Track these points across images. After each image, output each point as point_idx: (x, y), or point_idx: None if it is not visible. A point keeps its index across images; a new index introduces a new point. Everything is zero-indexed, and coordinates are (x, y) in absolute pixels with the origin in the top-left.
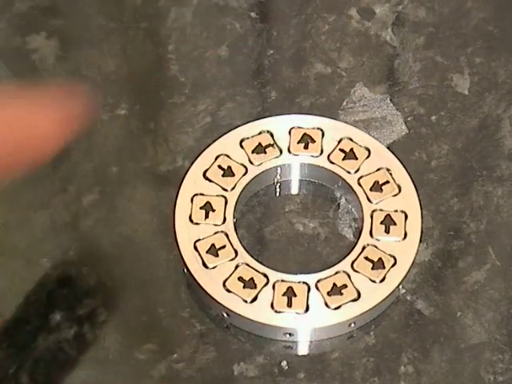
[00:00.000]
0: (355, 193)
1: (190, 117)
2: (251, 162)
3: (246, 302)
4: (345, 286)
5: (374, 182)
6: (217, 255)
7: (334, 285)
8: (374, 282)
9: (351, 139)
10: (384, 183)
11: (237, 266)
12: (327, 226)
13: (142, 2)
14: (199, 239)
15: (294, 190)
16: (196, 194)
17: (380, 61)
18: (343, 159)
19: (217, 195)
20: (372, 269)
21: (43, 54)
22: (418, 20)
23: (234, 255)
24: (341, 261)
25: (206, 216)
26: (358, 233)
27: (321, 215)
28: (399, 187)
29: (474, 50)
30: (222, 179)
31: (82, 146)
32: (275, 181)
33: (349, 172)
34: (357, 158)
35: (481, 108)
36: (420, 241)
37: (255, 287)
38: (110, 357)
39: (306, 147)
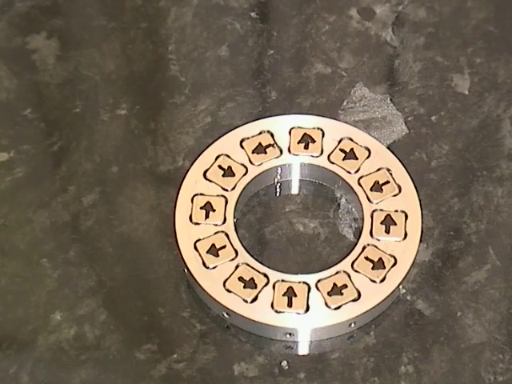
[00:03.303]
0: (355, 193)
1: (190, 117)
2: (251, 162)
3: (246, 301)
4: (345, 285)
5: (375, 182)
6: (217, 255)
7: (335, 285)
8: (374, 281)
9: (351, 139)
10: (384, 183)
11: (237, 266)
12: (327, 226)
13: (142, 2)
14: (199, 239)
15: (294, 189)
16: (196, 194)
17: (380, 61)
18: (343, 159)
19: (217, 195)
20: (372, 269)
21: (43, 54)
22: (418, 20)
23: (234, 255)
24: (341, 261)
25: (207, 216)
26: (359, 233)
27: (321, 215)
28: (399, 187)
29: (474, 50)
30: (223, 179)
31: (82, 146)
32: (275, 181)
33: (349, 172)
34: (357, 158)
35: (481, 108)
36: (420, 241)
37: (255, 287)
38: (110, 357)
39: (306, 147)
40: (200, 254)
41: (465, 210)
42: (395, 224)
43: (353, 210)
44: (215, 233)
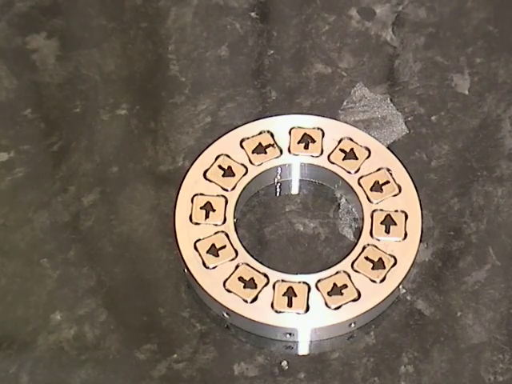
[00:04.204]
0: (355, 193)
1: (190, 117)
2: (251, 162)
3: (246, 301)
4: (345, 285)
5: (375, 182)
6: (217, 255)
7: (335, 285)
8: (374, 281)
9: (351, 139)
10: (384, 183)
11: (237, 266)
12: (327, 225)
13: (142, 2)
14: (199, 239)
15: (294, 189)
16: (196, 194)
17: (380, 61)
18: (343, 159)
19: (217, 195)
20: (372, 269)
21: (43, 54)
22: (418, 20)
23: (234, 255)
24: (341, 261)
25: (207, 216)
26: (359, 233)
27: (321, 215)
28: (399, 187)
29: (474, 50)
30: (223, 179)
31: (82, 146)
32: (275, 181)
33: (349, 172)
34: (357, 158)
35: (481, 108)
36: (420, 241)
37: (255, 287)
38: (110, 357)
39: (306, 147)
40: (200, 254)
41: (465, 210)
42: (395, 224)
43: (353, 210)
44: (215, 233)
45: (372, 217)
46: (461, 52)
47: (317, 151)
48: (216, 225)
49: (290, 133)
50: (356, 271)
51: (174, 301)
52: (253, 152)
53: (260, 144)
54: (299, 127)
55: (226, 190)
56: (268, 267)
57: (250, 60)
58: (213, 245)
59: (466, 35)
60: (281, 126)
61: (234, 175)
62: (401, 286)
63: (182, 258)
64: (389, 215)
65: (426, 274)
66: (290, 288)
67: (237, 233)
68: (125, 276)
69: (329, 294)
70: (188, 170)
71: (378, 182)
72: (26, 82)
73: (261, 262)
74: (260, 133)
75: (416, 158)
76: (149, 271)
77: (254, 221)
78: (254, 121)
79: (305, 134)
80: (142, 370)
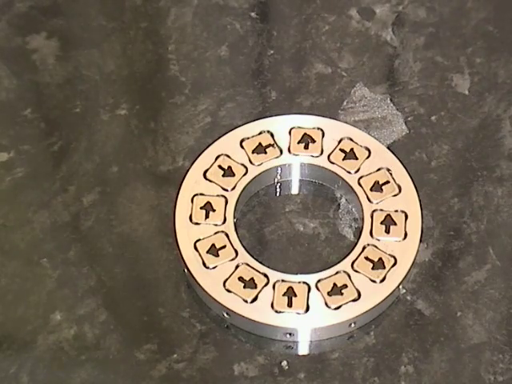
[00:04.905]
0: (355, 193)
1: (190, 117)
2: (251, 162)
3: (246, 301)
4: (345, 285)
5: (375, 182)
6: (217, 255)
7: (335, 285)
8: (374, 281)
9: (351, 139)
10: (384, 183)
11: (237, 266)
12: (327, 225)
13: (142, 2)
14: (199, 239)
15: (294, 189)
16: (196, 194)
17: (380, 61)
18: (343, 159)
19: (217, 195)
20: (372, 269)
21: (43, 54)
22: (418, 20)
23: (234, 255)
24: (341, 261)
25: (207, 216)
26: (359, 233)
27: (321, 215)
28: (399, 187)
29: (474, 50)
30: (223, 179)
31: (82, 146)
32: (275, 181)
33: (349, 172)
34: (357, 158)
35: (481, 108)
36: (420, 241)
37: (255, 287)
38: (110, 357)
39: (306, 147)
40: (200, 254)
41: (465, 210)
42: (395, 224)
43: (353, 210)
44: (215, 233)
45: (372, 217)
46: (461, 52)
47: (317, 151)
48: (216, 225)
49: (290, 133)
50: (356, 271)
51: (174, 301)
52: (253, 152)
53: (260, 144)
54: (299, 127)
55: (226, 190)
56: (268, 267)
57: (250, 60)
58: (213, 245)
59: (466, 35)
60: (281, 125)
61: (233, 175)
62: (401, 286)
63: (182, 258)
64: (389, 215)
65: (426, 273)
66: (290, 288)
67: (237, 233)
68: (125, 276)
69: (329, 294)
70: (188, 170)
71: (378, 182)
72: (25, 82)
73: (261, 262)
74: (260, 133)
75: (416, 157)
76: (149, 271)
77: (253, 221)
78: (254, 121)
79: (305, 134)
80: (142, 369)
